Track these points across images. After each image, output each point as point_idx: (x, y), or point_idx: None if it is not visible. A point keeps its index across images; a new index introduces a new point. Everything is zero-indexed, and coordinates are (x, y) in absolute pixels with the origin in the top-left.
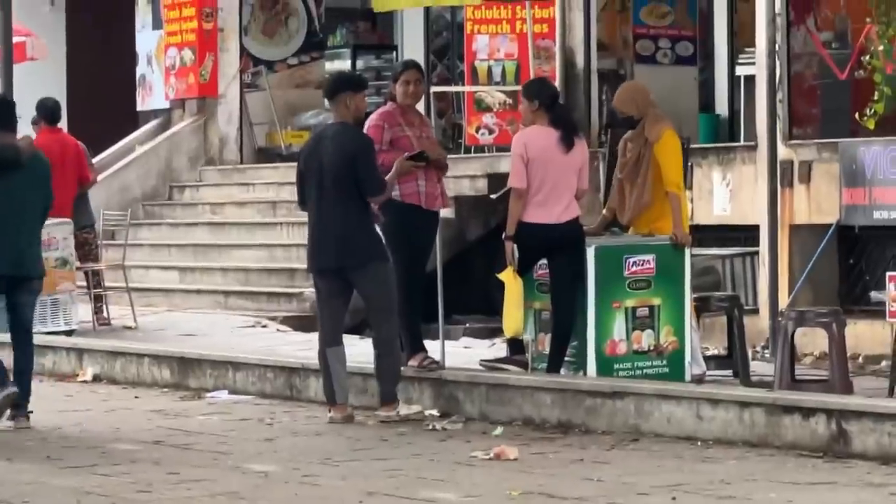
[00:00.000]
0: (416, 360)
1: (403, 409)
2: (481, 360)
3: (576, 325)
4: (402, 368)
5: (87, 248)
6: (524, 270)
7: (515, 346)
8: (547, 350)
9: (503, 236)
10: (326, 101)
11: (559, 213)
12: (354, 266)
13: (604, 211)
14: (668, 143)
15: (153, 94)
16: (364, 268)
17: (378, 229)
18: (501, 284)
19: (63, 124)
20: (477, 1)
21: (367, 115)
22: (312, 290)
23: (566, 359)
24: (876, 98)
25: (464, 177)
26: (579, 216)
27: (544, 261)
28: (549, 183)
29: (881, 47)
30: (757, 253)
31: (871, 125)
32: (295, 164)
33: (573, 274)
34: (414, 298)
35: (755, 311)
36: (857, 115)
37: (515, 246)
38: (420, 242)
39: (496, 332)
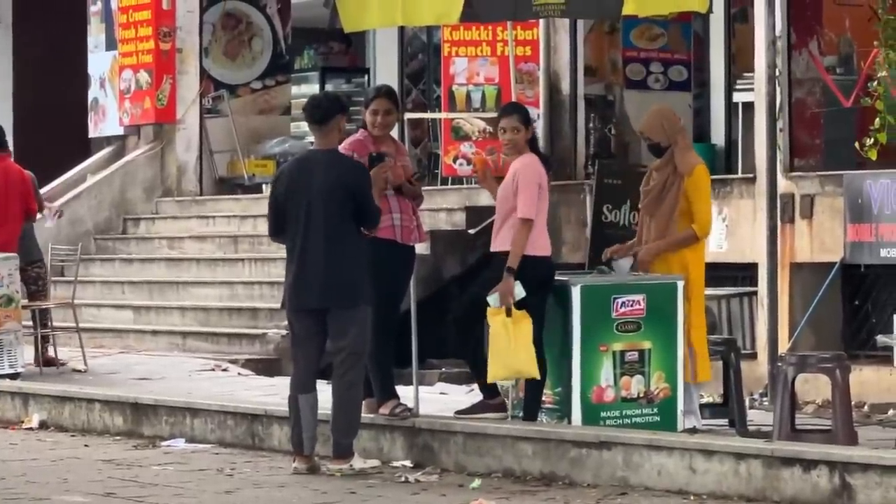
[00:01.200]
0: (388, 408)
1: (358, 463)
2: (456, 413)
3: (559, 368)
4: (372, 416)
5: (39, 285)
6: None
7: (490, 387)
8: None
9: (506, 270)
10: (310, 125)
11: (550, 246)
12: (341, 307)
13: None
14: (701, 178)
15: (106, 119)
16: (349, 310)
17: None
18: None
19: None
20: (454, 20)
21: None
22: (276, 331)
23: (550, 406)
24: (877, 126)
25: (440, 210)
26: None
27: None
28: (543, 216)
29: (883, 73)
30: (755, 293)
31: (872, 156)
32: (258, 195)
33: (544, 313)
34: (386, 341)
35: (753, 356)
36: (857, 145)
37: (518, 283)
38: (395, 280)
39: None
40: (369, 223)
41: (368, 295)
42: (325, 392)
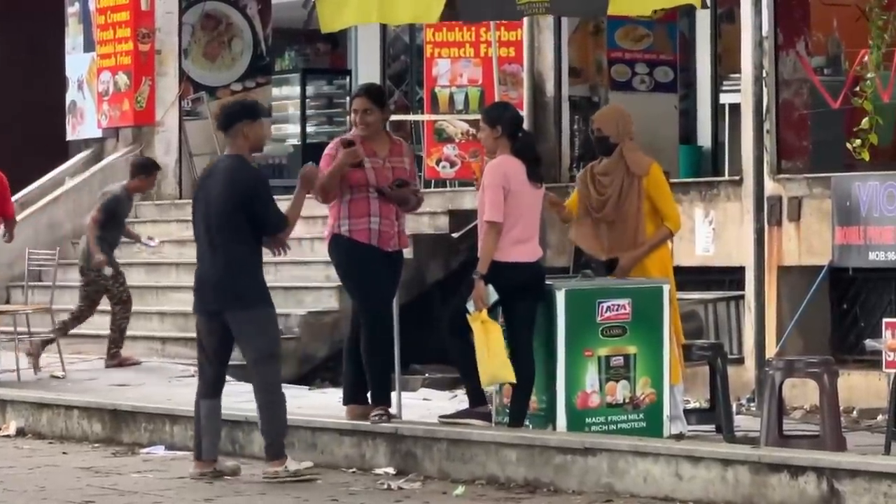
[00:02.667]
0: (371, 412)
1: (293, 465)
2: (441, 417)
3: (543, 373)
4: (354, 422)
5: None
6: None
7: (477, 395)
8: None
9: (474, 275)
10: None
11: (533, 250)
12: (234, 309)
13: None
14: (659, 177)
15: (84, 121)
16: (243, 312)
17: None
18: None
19: None
20: (434, 19)
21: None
22: None
23: (534, 412)
24: (865, 126)
25: (423, 213)
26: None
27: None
28: (525, 219)
29: (871, 73)
30: (742, 297)
31: (865, 156)
32: None
33: (534, 317)
34: (384, 344)
35: (740, 361)
36: (848, 146)
37: (491, 287)
38: (376, 281)
39: (458, 382)
40: (269, 230)
41: (265, 298)
42: (303, 398)
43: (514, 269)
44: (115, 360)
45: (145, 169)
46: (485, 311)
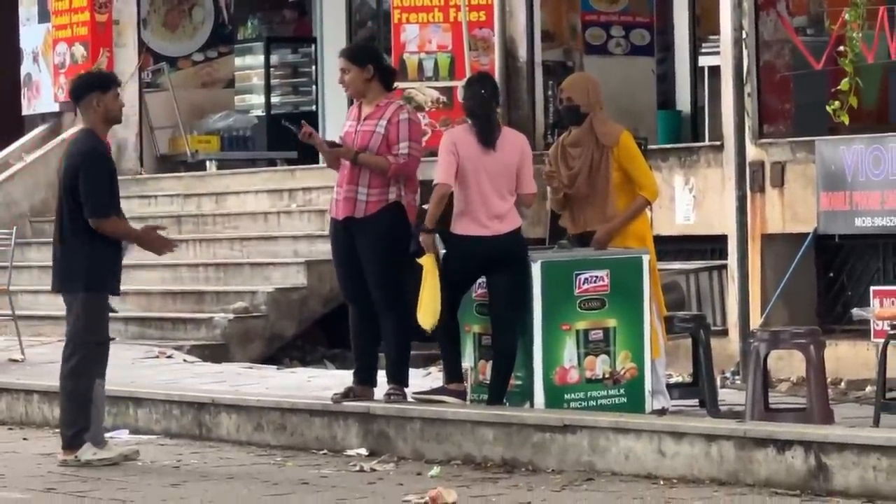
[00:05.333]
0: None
1: (86, 454)
2: (415, 394)
3: (518, 349)
4: (324, 402)
5: None
6: (460, 290)
7: (453, 373)
8: (488, 379)
9: (420, 229)
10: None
11: (495, 223)
12: (63, 291)
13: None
14: (630, 146)
15: (40, 95)
16: (70, 294)
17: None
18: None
19: None
20: None
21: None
22: (222, 315)
23: (511, 389)
24: (845, 88)
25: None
26: (520, 227)
27: (482, 279)
28: (481, 190)
29: (854, 33)
30: (725, 267)
31: (845, 119)
32: (202, 173)
33: (514, 292)
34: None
35: (724, 333)
36: (828, 109)
37: (437, 236)
38: (339, 257)
39: (432, 359)
40: (87, 211)
41: (90, 282)
42: (272, 378)
43: (467, 242)
44: None
45: None
46: (433, 257)
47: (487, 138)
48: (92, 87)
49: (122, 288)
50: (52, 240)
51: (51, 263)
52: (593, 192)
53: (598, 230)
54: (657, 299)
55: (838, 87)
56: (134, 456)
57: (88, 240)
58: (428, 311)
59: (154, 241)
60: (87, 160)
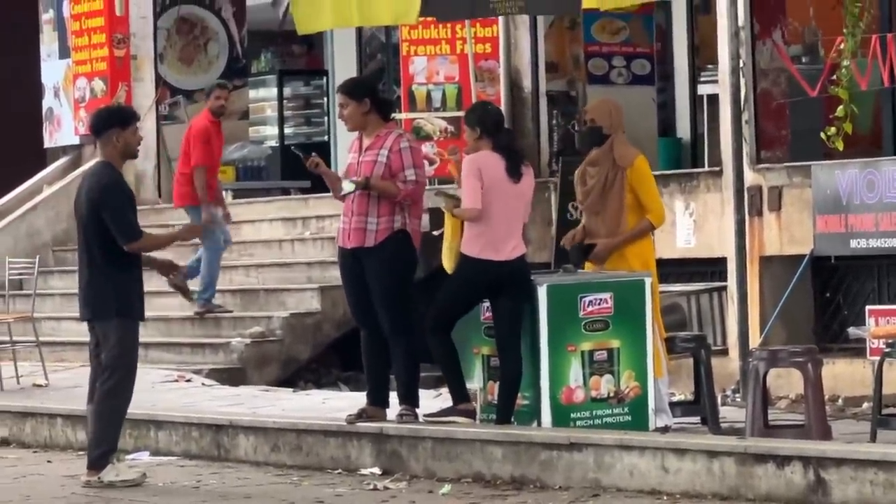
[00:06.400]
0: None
1: (109, 475)
2: (425, 416)
3: (525, 370)
4: (339, 423)
5: None
6: (461, 311)
7: (460, 393)
8: (496, 399)
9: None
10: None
11: (510, 249)
12: (95, 318)
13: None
14: (643, 169)
15: (62, 128)
16: (103, 321)
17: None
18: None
19: None
20: (412, 20)
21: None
22: (239, 339)
23: (519, 408)
24: (840, 115)
25: None
26: (525, 253)
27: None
28: (501, 215)
29: (847, 62)
30: (725, 288)
31: (839, 146)
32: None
33: (518, 316)
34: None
35: (724, 352)
36: (822, 135)
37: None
38: (350, 285)
39: (441, 381)
40: (120, 239)
41: (121, 309)
42: (289, 401)
43: (482, 266)
44: None
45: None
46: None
47: (516, 171)
48: (112, 122)
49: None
50: (74, 269)
51: (73, 291)
52: (604, 208)
53: (599, 244)
54: (657, 321)
55: (835, 114)
56: (141, 479)
57: (115, 268)
58: (447, 259)
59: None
60: (107, 193)
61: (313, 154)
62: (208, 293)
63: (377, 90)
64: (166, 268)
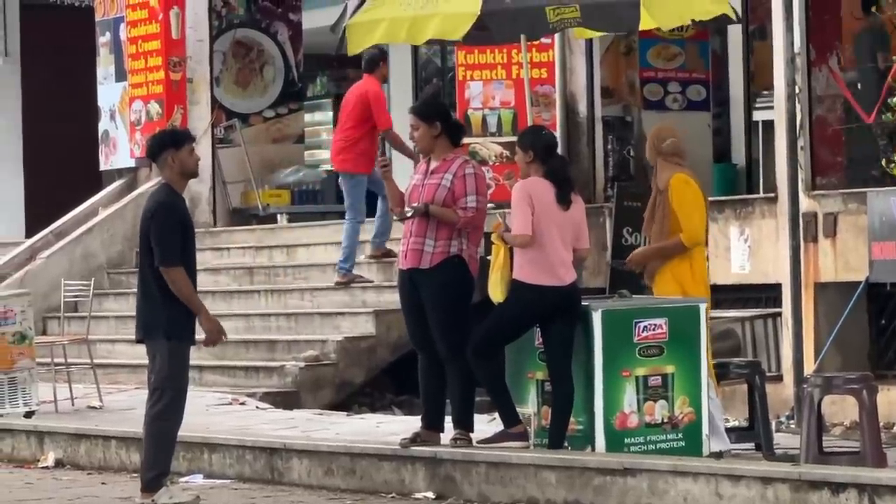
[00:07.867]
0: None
1: (163, 498)
2: (478, 443)
3: (578, 395)
4: (393, 447)
5: None
6: (514, 336)
7: (510, 416)
8: (549, 424)
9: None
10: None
11: (563, 274)
12: (146, 338)
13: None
14: (677, 188)
15: (117, 151)
16: (152, 342)
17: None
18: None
19: (20, 185)
20: (458, 37)
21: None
22: (293, 363)
23: (572, 433)
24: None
25: None
26: (577, 279)
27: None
28: (554, 241)
29: None
30: (779, 314)
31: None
32: (273, 225)
33: (569, 341)
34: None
35: (778, 378)
36: (883, 163)
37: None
38: (408, 306)
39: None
40: (156, 259)
41: (170, 330)
42: (342, 424)
43: (541, 292)
44: None
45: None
46: (496, 236)
47: (566, 198)
48: (165, 145)
49: (197, 337)
50: (128, 291)
51: (127, 313)
52: (651, 232)
53: (633, 252)
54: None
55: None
56: (195, 502)
57: (167, 290)
58: (497, 288)
59: (211, 331)
60: (159, 210)
61: (385, 157)
62: (349, 263)
63: (449, 114)
64: (214, 334)
